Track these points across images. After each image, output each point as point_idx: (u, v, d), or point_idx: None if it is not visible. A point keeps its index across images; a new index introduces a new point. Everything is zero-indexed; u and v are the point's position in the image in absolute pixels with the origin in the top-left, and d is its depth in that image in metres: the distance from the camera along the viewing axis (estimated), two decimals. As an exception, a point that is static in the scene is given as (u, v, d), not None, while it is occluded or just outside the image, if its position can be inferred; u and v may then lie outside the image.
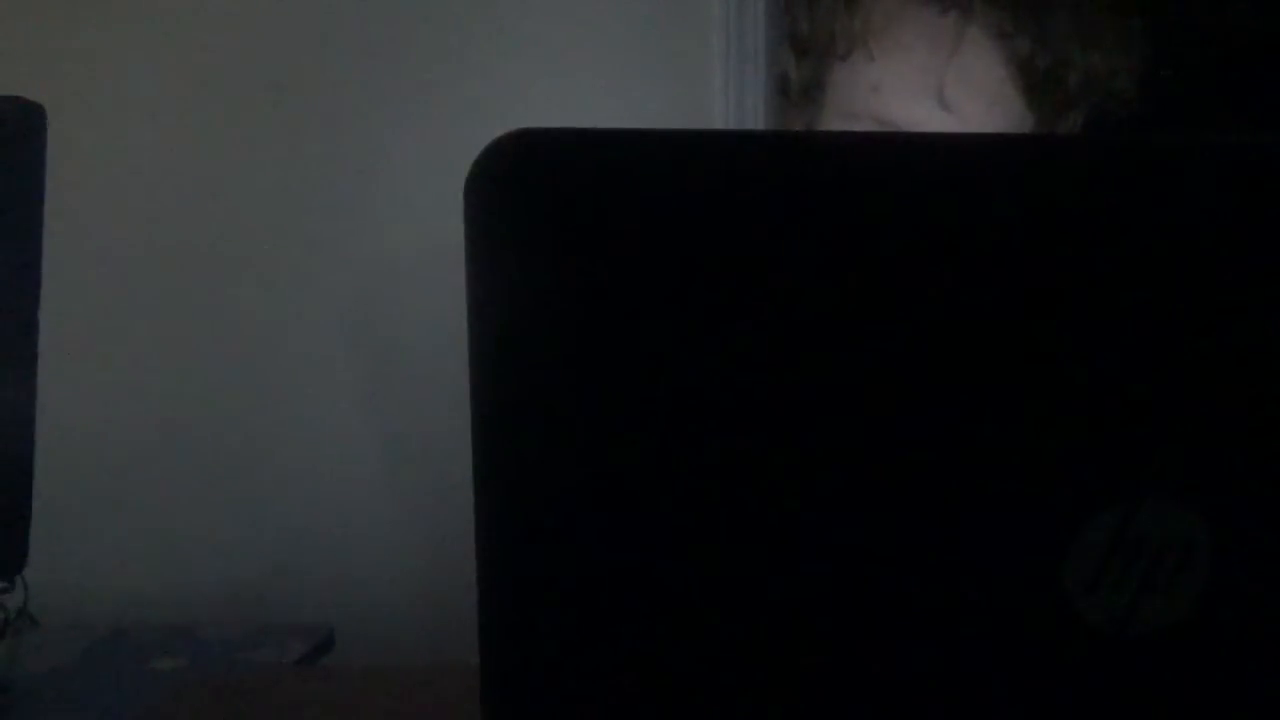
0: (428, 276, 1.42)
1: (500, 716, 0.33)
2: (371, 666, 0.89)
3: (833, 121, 0.88)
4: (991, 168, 0.33)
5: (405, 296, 1.68)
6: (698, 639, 0.33)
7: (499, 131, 0.31)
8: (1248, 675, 0.35)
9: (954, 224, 0.33)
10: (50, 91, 0.77)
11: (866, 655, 0.34)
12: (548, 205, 0.31)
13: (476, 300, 0.31)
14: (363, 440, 1.74)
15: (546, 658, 0.33)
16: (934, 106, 0.83)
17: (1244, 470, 0.34)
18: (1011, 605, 0.34)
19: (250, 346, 1.73)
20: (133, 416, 1.69)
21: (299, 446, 1.73)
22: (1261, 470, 0.34)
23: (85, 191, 1.61)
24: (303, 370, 1.73)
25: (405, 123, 1.69)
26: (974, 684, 0.34)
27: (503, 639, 0.33)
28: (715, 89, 1.69)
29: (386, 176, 1.70)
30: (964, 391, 0.33)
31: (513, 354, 0.31)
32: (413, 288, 1.65)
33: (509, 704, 0.33)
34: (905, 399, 0.33)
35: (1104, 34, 0.85)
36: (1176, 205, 0.33)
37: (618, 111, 1.65)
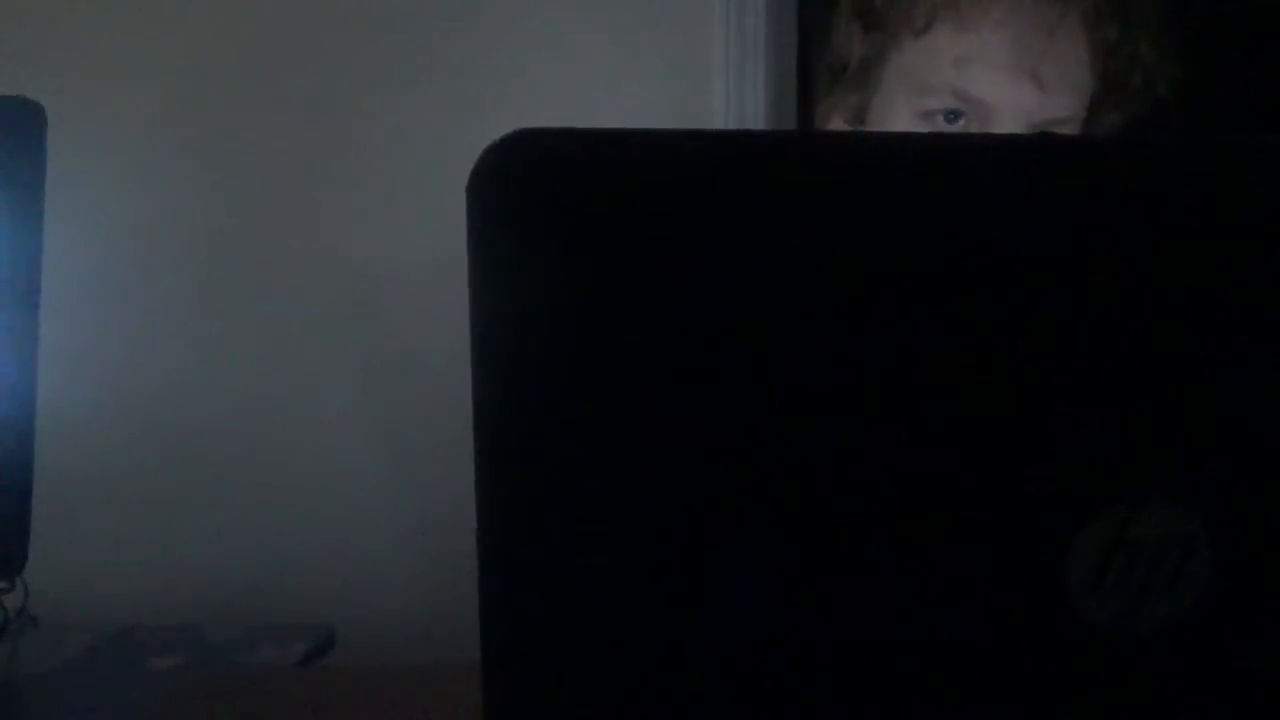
0: (429, 277, 1.42)
1: (500, 716, 0.33)
2: (371, 666, 0.89)
3: (895, 97, 0.87)
4: (992, 169, 0.33)
5: (407, 297, 1.68)
6: (698, 638, 0.33)
7: (500, 132, 0.31)
8: (1247, 674, 0.35)
9: (955, 224, 0.33)
10: (50, 91, 0.77)
11: (869, 655, 0.34)
12: (549, 205, 0.31)
13: (479, 300, 0.31)
14: (363, 440, 1.74)
15: (546, 658, 0.33)
16: (1026, 83, 0.81)
17: (1244, 470, 0.34)
18: (1013, 605, 0.34)
19: (251, 346, 1.73)
20: (133, 417, 1.69)
21: (300, 446, 1.73)
22: (1261, 470, 0.34)
23: (85, 191, 1.60)
24: (303, 370, 1.73)
25: (406, 123, 1.69)
26: (975, 683, 0.34)
27: (503, 638, 0.33)
28: (715, 89, 1.69)
29: (387, 177, 1.70)
30: (965, 392, 0.33)
31: (515, 353, 0.31)
32: (414, 288, 1.65)
33: (509, 703, 0.33)
34: (907, 399, 0.33)
35: (1163, 34, 0.85)
36: (1176, 205, 0.33)
37: (618, 111, 1.65)
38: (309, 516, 1.71)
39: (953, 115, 0.84)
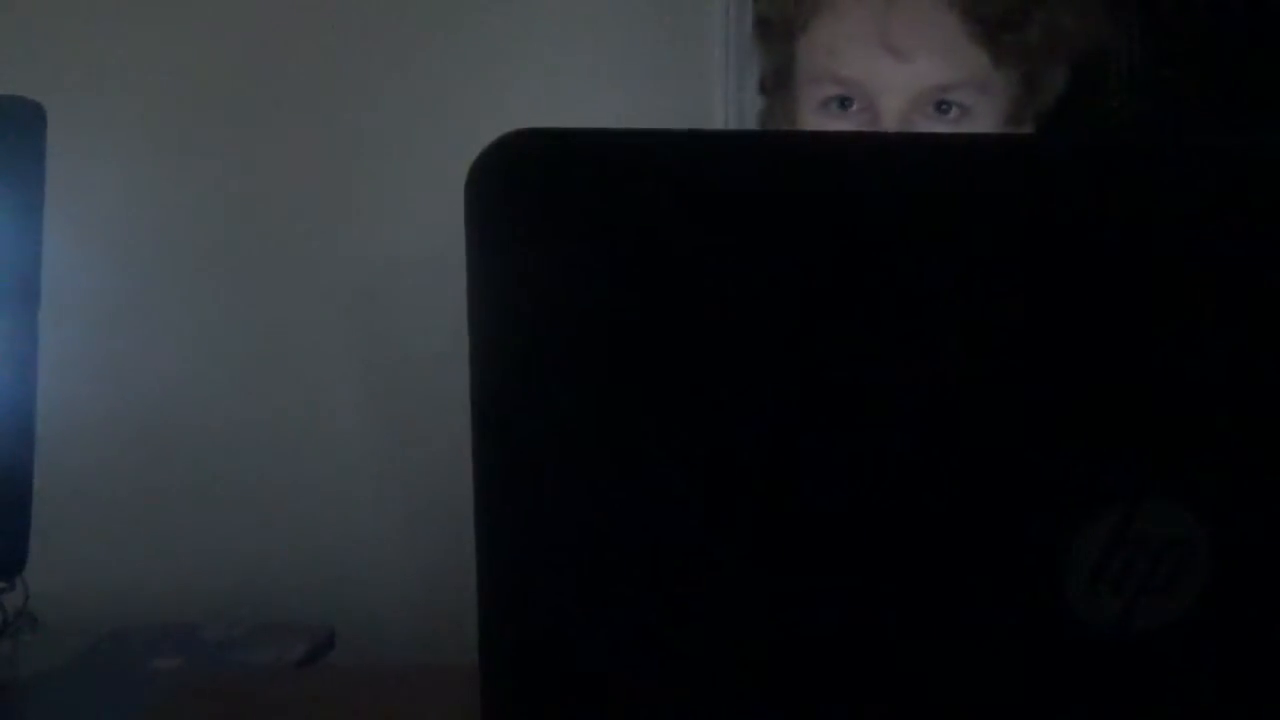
0: (428, 276, 1.42)
1: (500, 716, 0.33)
2: (371, 666, 0.89)
3: (801, 97, 0.91)
4: (991, 169, 0.33)
5: (406, 296, 1.68)
6: (697, 638, 0.33)
7: (499, 131, 0.31)
8: (1247, 674, 0.35)
9: (954, 224, 0.33)
10: (50, 91, 0.77)
11: (868, 655, 0.34)
12: (548, 204, 0.31)
13: (477, 299, 0.31)
14: (363, 440, 1.74)
15: (546, 658, 0.33)
16: (885, 56, 0.85)
17: (1244, 470, 0.34)
18: (1012, 605, 0.34)
19: (251, 346, 1.73)
20: (133, 417, 1.68)
21: (299, 446, 1.73)
22: (1261, 470, 0.34)
23: (85, 191, 1.60)
24: (302, 369, 1.73)
25: (405, 123, 1.69)
26: (974, 683, 0.34)
27: (502, 638, 0.33)
28: (715, 89, 1.69)
29: (387, 177, 1.70)
30: (964, 392, 0.33)
31: (513, 352, 0.31)
32: (414, 287, 1.65)
33: (508, 703, 0.33)
34: (906, 398, 0.33)
35: None
36: (1175, 205, 0.33)
37: (618, 111, 1.64)
38: (309, 516, 1.71)
39: (846, 101, 0.88)
